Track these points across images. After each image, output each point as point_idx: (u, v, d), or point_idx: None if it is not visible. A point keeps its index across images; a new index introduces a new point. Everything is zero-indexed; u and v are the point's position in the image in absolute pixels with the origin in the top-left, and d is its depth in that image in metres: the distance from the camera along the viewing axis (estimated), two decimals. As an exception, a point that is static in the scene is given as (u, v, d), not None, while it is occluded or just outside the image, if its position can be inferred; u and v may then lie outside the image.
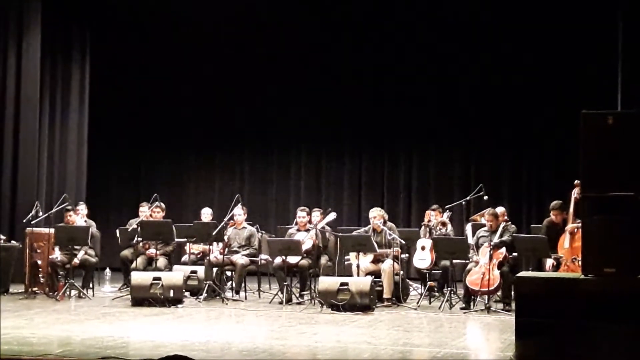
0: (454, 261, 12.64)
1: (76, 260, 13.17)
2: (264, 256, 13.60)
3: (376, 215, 12.93)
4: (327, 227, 13.47)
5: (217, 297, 12.79)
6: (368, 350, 8.98)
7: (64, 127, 16.79)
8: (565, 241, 11.76)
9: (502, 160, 16.81)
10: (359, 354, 8.96)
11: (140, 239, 13.42)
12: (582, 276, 7.79)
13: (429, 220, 13.58)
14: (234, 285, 13.34)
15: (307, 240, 12.97)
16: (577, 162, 8.01)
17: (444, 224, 13.37)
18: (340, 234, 13.16)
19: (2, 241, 13.92)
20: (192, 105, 17.93)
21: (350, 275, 12.60)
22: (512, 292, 11.41)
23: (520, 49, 16.05)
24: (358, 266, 12.53)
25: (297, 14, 16.86)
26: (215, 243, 13.43)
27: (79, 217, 13.80)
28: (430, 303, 12.69)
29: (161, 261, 13.35)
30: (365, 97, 17.26)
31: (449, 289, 12.33)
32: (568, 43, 15.60)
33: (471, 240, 12.71)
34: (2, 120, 15.52)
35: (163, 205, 14.05)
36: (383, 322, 10.98)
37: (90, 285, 13.43)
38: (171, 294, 12.14)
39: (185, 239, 13.88)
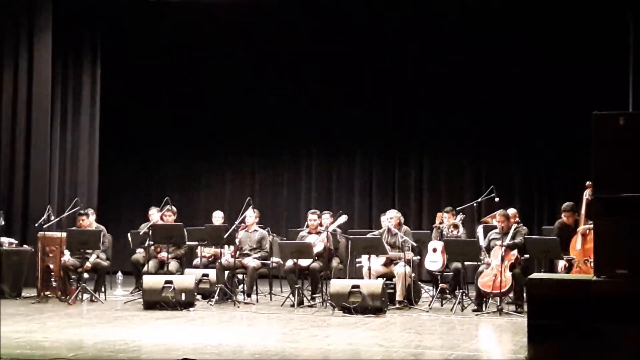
0: (466, 263, 12.64)
1: (88, 264, 13.20)
2: (275, 259, 13.60)
3: (393, 216, 12.95)
4: (338, 230, 13.47)
5: (229, 300, 12.80)
6: (380, 353, 8.98)
7: (76, 131, 16.83)
8: (577, 243, 11.74)
9: (513, 161, 16.79)
10: (371, 357, 8.97)
11: (151, 242, 13.44)
12: (594, 278, 7.77)
13: (441, 222, 13.57)
14: (245, 288, 13.33)
15: (318, 243, 12.96)
16: (589, 163, 7.99)
17: (456, 226, 13.35)
18: (351, 236, 13.17)
19: (14, 245, 13.97)
20: (203, 108, 17.95)
21: (362, 277, 12.61)
22: (524, 294, 11.42)
23: (531, 50, 16.01)
24: (369, 269, 12.53)
25: (308, 17, 16.85)
26: (226, 246, 13.44)
27: (87, 223, 13.74)
28: (442, 305, 12.68)
29: (173, 264, 13.35)
30: (375, 99, 17.24)
31: (461, 291, 12.32)
32: (579, 44, 15.55)
33: (482, 242, 12.69)
34: (14, 124, 15.56)
35: (174, 208, 14.06)
36: (395, 325, 10.98)
37: (102, 289, 13.45)
38: (183, 297, 12.15)
39: (197, 242, 13.90)
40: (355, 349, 9.26)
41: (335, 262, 13.26)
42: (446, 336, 10.11)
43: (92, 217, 13.95)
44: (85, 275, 13.43)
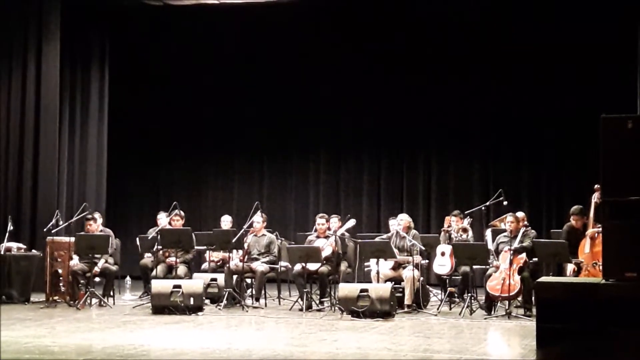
0: (474, 267, 12.62)
1: (96, 269, 13.21)
2: (283, 263, 13.61)
3: (404, 220, 12.96)
4: (347, 234, 13.47)
5: (237, 305, 12.80)
6: (388, 357, 8.98)
7: (84, 135, 16.87)
8: (585, 246, 11.70)
9: (522, 165, 16.77)
10: (379, 361, 8.97)
11: (160, 247, 13.45)
12: (603, 281, 7.74)
13: (449, 226, 13.55)
14: (253, 292, 13.33)
15: (326, 247, 12.97)
16: (597, 167, 7.97)
17: (465, 230, 13.34)
18: (359, 240, 13.16)
19: (22, 250, 14.01)
20: (211, 113, 17.97)
21: (370, 281, 12.60)
22: (533, 298, 11.40)
23: (538, 52, 16.00)
24: (378, 272, 12.53)
25: (315, 23, 16.84)
26: (235, 250, 13.44)
27: (94, 228, 13.75)
28: (450, 309, 12.67)
29: (181, 269, 13.36)
30: (383, 103, 17.24)
31: (469, 294, 12.30)
32: (587, 46, 15.53)
33: (491, 246, 12.68)
34: (22, 128, 15.62)
35: (182, 213, 14.07)
36: (403, 329, 10.96)
37: (111, 294, 13.46)
38: (191, 302, 12.16)
39: (205, 247, 13.92)
40: (364, 353, 9.25)
41: (343, 266, 13.27)
42: (455, 340, 10.09)
43: (100, 221, 13.97)
44: (97, 279, 13.45)
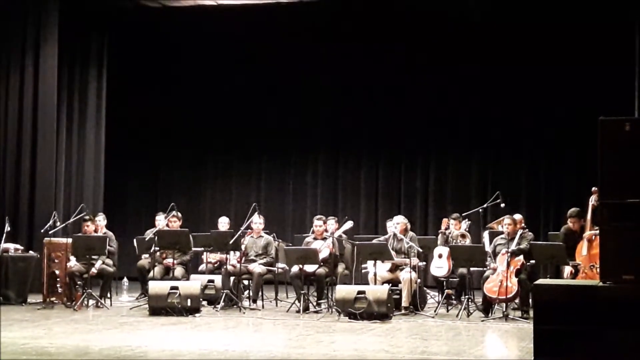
0: (471, 269, 12.62)
1: (94, 270, 13.19)
2: (281, 265, 13.61)
3: (400, 222, 12.95)
4: (344, 235, 13.47)
5: (235, 306, 12.79)
6: (386, 359, 8.97)
7: (82, 137, 16.86)
8: (583, 248, 11.70)
9: (520, 167, 16.78)
10: (376, 363, 8.96)
11: (157, 248, 13.44)
12: (601, 283, 7.74)
13: (446, 228, 13.56)
14: (251, 294, 13.34)
15: (324, 249, 12.96)
16: (595, 169, 7.97)
17: (463, 236, 13.33)
18: (357, 242, 13.16)
19: (20, 251, 13.98)
20: (209, 114, 17.97)
21: (367, 283, 12.59)
22: (530, 300, 11.39)
23: (536, 54, 16.00)
24: (375, 274, 12.52)
25: (314, 23, 16.82)
26: (232, 252, 13.43)
27: (97, 228, 13.75)
28: (447, 311, 12.68)
29: (178, 270, 13.36)
30: (381, 105, 17.25)
31: (467, 296, 12.30)
32: (585, 46, 15.54)
33: (488, 248, 12.67)
34: (20, 130, 15.60)
35: (180, 214, 14.07)
36: (401, 331, 10.96)
37: (108, 295, 13.46)
38: (188, 303, 12.15)
39: (203, 248, 13.90)
40: (361, 355, 9.24)
41: (340, 267, 13.26)
42: (452, 342, 10.10)
43: (103, 222, 13.94)
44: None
